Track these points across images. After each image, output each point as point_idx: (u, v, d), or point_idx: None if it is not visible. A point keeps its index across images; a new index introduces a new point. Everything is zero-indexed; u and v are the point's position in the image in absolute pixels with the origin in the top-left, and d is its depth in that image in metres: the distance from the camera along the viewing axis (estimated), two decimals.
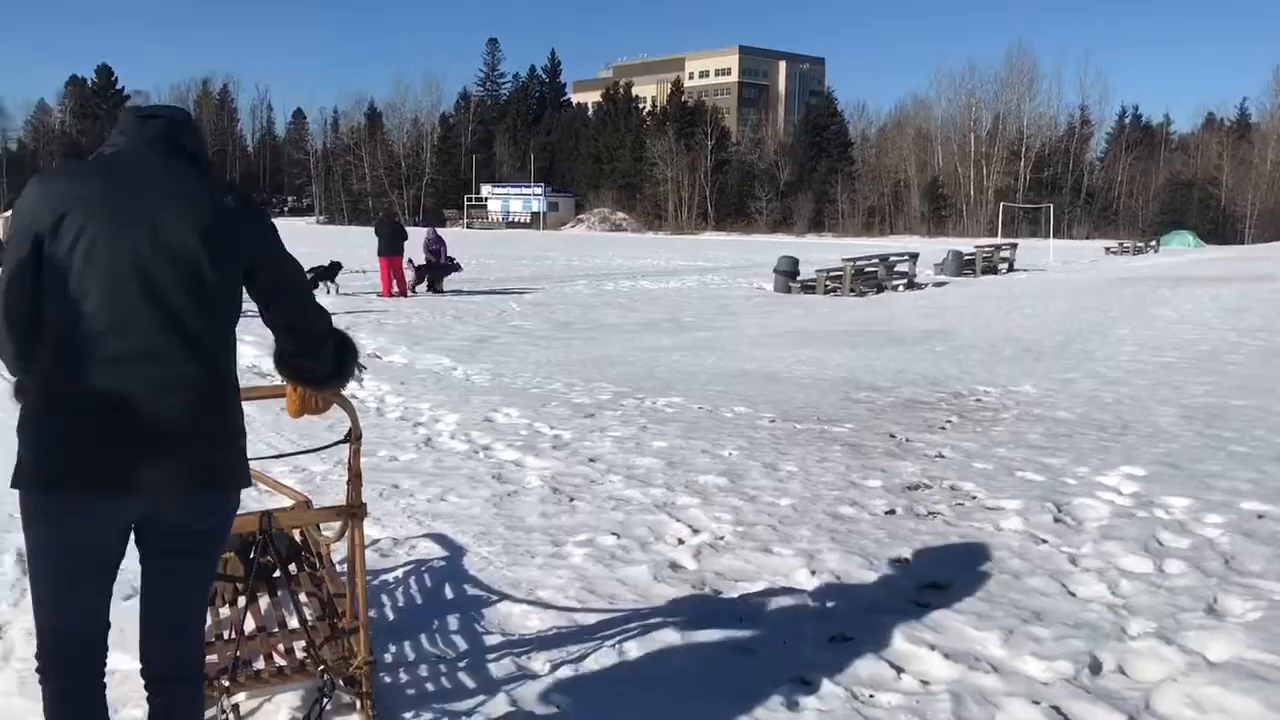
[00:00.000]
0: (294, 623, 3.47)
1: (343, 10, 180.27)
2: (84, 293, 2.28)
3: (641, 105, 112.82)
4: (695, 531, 5.28)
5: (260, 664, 3.29)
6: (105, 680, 2.55)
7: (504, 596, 4.37)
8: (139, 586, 2.53)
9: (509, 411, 8.45)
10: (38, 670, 2.47)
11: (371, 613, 3.78)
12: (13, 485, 2.31)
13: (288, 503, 3.99)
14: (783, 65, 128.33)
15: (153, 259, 2.31)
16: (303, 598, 3.56)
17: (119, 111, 2.63)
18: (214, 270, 2.37)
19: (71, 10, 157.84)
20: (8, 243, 2.38)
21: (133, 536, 2.45)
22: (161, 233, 2.33)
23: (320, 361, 2.74)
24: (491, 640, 3.93)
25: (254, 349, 9.25)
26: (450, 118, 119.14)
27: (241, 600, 3.44)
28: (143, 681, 2.58)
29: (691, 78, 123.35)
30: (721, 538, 5.19)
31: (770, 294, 22.97)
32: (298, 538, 4.00)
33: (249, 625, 3.47)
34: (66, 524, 2.32)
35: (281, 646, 3.35)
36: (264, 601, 3.65)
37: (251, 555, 3.26)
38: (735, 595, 4.43)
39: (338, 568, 3.99)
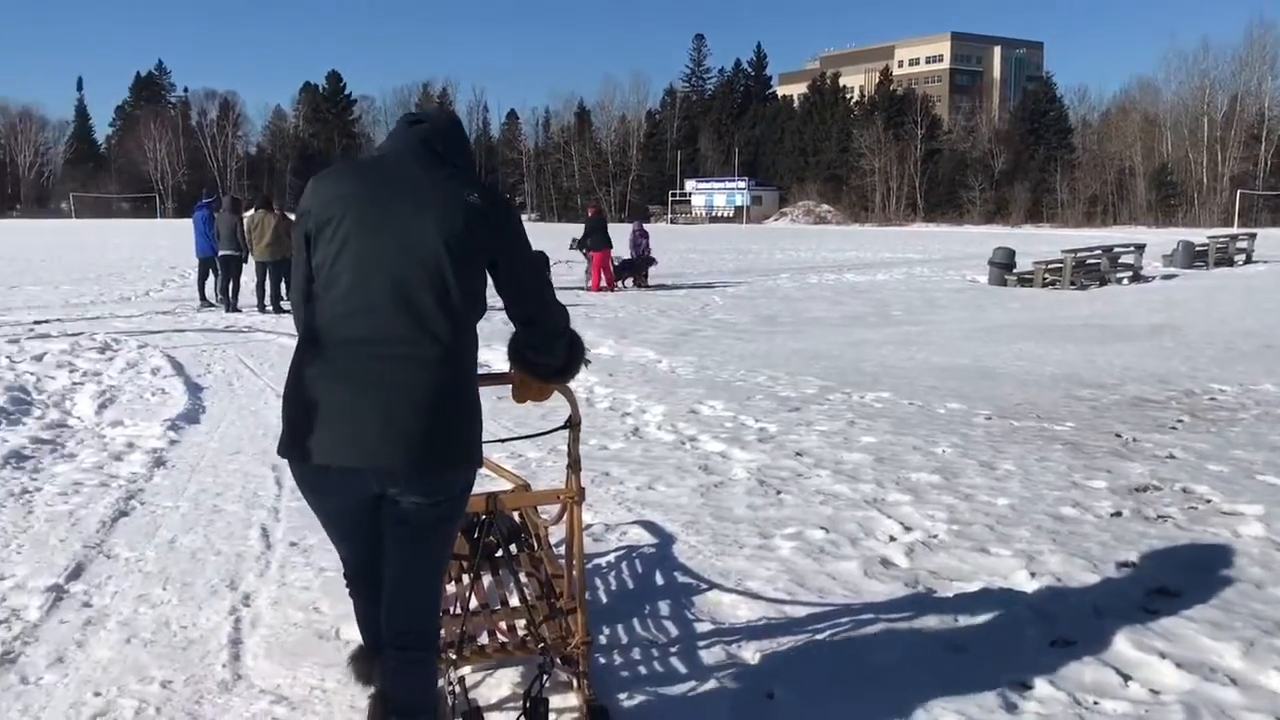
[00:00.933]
0: (515, 601, 3.61)
1: (555, 13, 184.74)
2: (336, 278, 2.52)
3: (849, 95, 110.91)
4: (907, 529, 5.18)
5: (484, 639, 3.44)
6: None
7: (713, 585, 4.41)
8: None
9: (714, 404, 8.51)
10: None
11: (586, 595, 3.89)
12: (278, 453, 2.60)
13: (507, 486, 4.15)
14: (997, 50, 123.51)
15: (400, 252, 2.52)
16: (522, 577, 3.70)
17: (398, 121, 2.85)
18: (457, 263, 2.54)
19: (306, 20, 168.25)
20: (294, 231, 2.69)
21: None
22: (410, 227, 2.53)
23: (553, 356, 2.88)
24: (702, 627, 3.98)
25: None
26: (656, 114, 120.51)
27: (466, 578, 3.60)
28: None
29: (901, 66, 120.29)
30: (935, 536, 5.07)
31: (984, 287, 22.20)
32: (517, 519, 4.15)
33: (473, 602, 3.63)
34: (316, 491, 2.62)
35: (504, 624, 3.50)
36: (486, 580, 3.81)
37: (475, 535, 3.41)
38: (950, 594, 4.32)
39: (555, 550, 4.13)
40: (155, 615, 4.01)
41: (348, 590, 3.00)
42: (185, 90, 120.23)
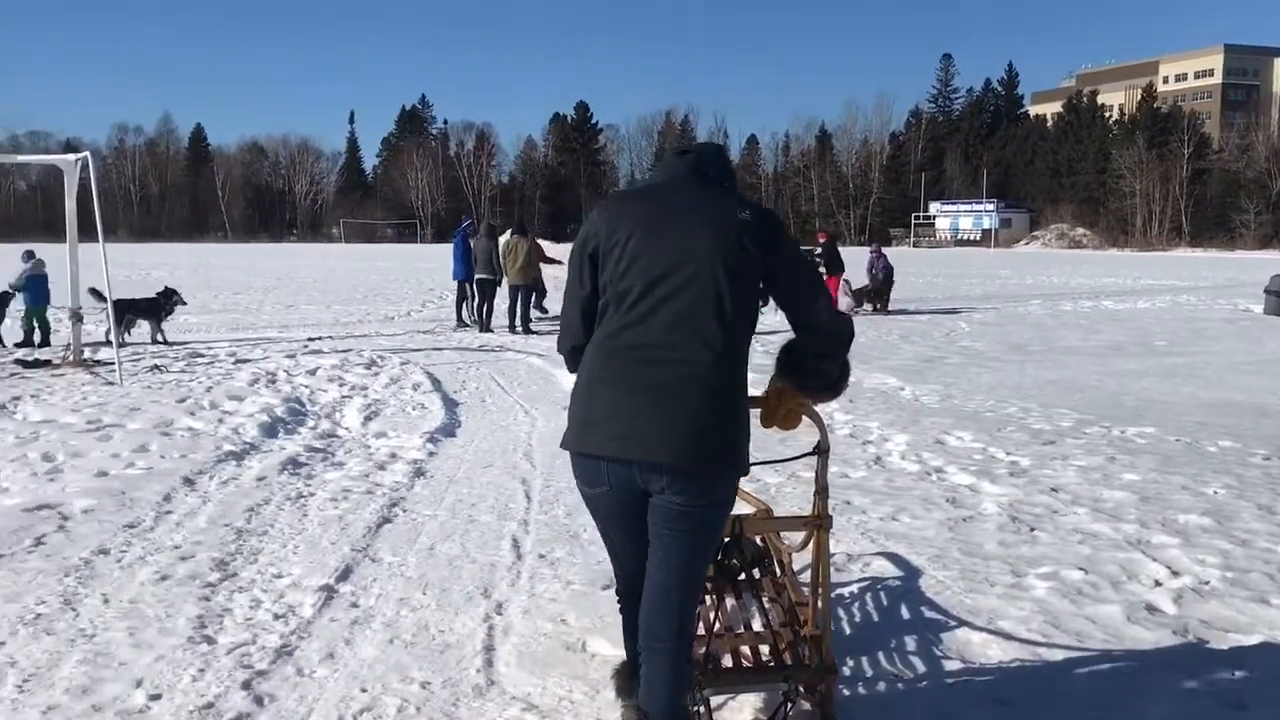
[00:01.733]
0: (758, 625, 3.59)
1: (797, 38, 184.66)
2: (625, 292, 2.73)
3: (1108, 114, 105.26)
4: (1175, 574, 4.83)
5: (727, 661, 3.44)
6: None
7: (962, 623, 4.25)
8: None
9: (961, 434, 8.22)
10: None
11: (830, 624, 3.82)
12: (561, 446, 2.86)
13: (750, 510, 4.14)
14: (1277, 63, 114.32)
15: (679, 267, 2.70)
16: (765, 603, 3.67)
17: (666, 153, 3.19)
18: (731, 277, 2.70)
19: (557, 53, 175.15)
20: (573, 255, 2.91)
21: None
22: (688, 246, 2.72)
23: (834, 364, 2.93)
24: (950, 665, 3.83)
25: None
26: (900, 136, 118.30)
27: (710, 599, 3.61)
28: None
29: (1166, 82, 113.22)
30: (1207, 583, 4.70)
31: (1259, 317, 20.50)
32: (760, 544, 4.13)
33: (717, 625, 3.63)
34: (589, 480, 2.81)
35: (746, 649, 3.48)
36: (730, 603, 3.81)
37: (720, 557, 3.42)
38: (1225, 646, 3.99)
39: (797, 577, 4.08)
40: (415, 619, 4.23)
41: (618, 605, 3.12)
42: (445, 122, 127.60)
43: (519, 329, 16.44)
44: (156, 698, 3.49)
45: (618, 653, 3.81)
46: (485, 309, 16.89)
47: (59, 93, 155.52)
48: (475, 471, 6.96)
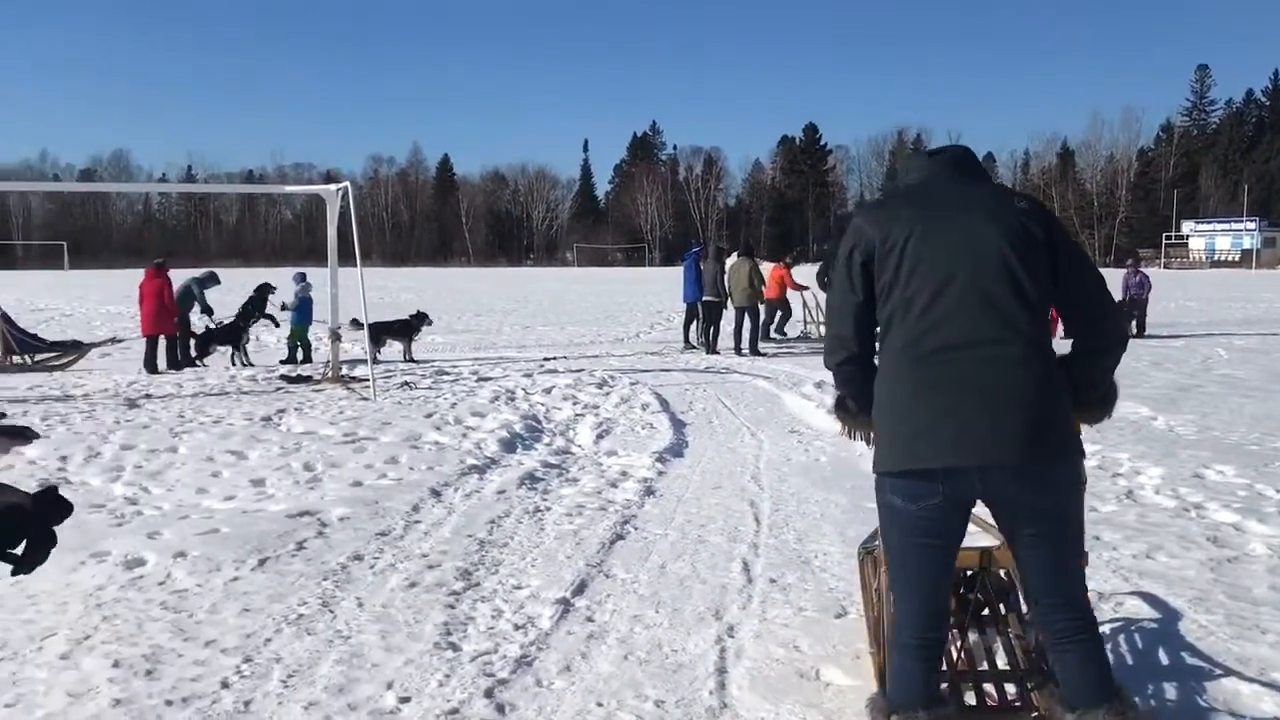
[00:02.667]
0: (1002, 663, 3.43)
1: (1032, 52, 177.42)
2: (913, 297, 2.68)
3: None
4: None
5: (970, 699, 3.30)
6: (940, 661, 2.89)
7: (1229, 672, 3.92)
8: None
9: (1222, 469, 7.61)
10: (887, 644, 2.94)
11: None
12: (877, 471, 2.77)
13: (996, 542, 3.96)
14: None
15: (973, 259, 2.66)
16: (1011, 640, 3.50)
17: (908, 157, 3.13)
18: (1024, 262, 2.65)
19: (786, 77, 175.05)
20: (834, 265, 2.87)
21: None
22: (976, 235, 2.68)
23: (1106, 372, 2.86)
24: (1216, 719, 3.54)
25: None
26: (1149, 152, 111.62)
27: (952, 634, 3.48)
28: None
29: None
30: None
31: None
32: (1005, 577, 3.95)
33: (959, 661, 3.49)
34: (915, 495, 2.68)
35: (991, 686, 3.33)
36: (972, 638, 3.65)
37: (963, 590, 3.29)
38: None
39: None
40: (649, 636, 4.28)
41: (899, 652, 2.87)
42: (674, 148, 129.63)
43: (745, 351, 16.45)
44: (406, 700, 3.66)
45: (853, 683, 3.73)
46: (712, 331, 17.00)
47: (319, 127, 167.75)
48: (704, 492, 6.99)
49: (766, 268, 18.73)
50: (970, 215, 2.71)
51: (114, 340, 18.21)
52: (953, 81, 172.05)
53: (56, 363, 15.25)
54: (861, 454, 8.19)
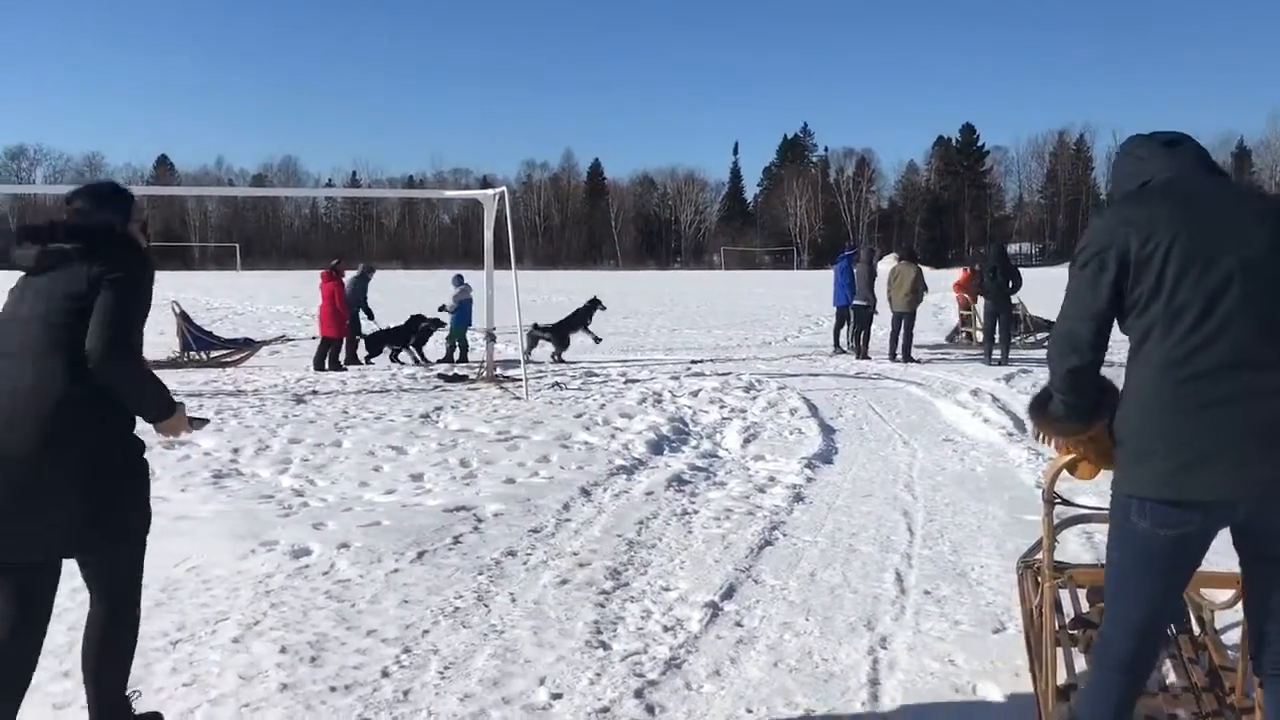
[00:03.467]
0: (1173, 684, 3.27)
1: (1203, 47, 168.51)
2: (1181, 308, 2.47)
3: None
4: None
5: None
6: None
7: None
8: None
9: None
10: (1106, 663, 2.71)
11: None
12: (1125, 492, 2.57)
13: None
14: None
15: (1245, 271, 2.44)
16: (1185, 663, 3.34)
17: (1138, 146, 2.76)
18: None
19: (941, 76, 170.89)
20: (1084, 263, 2.61)
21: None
22: (1245, 243, 2.47)
23: None
24: None
25: None
26: None
27: None
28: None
29: None
30: None
31: None
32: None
33: None
34: (1167, 523, 2.51)
35: (1165, 708, 3.18)
36: None
37: None
38: None
39: (1220, 638, 3.68)
40: (799, 644, 4.24)
41: (1103, 670, 2.72)
42: (825, 149, 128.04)
43: (899, 356, 16.15)
44: (558, 696, 3.72)
45: (1012, 701, 3.62)
46: (863, 336, 16.73)
47: (475, 133, 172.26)
48: (854, 500, 6.88)
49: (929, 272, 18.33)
50: (1236, 220, 2.50)
51: (283, 338, 19.10)
52: (1116, 77, 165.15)
53: (229, 359, 16.06)
54: (1020, 464, 7.96)
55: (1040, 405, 2.83)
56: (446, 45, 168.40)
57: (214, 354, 16.19)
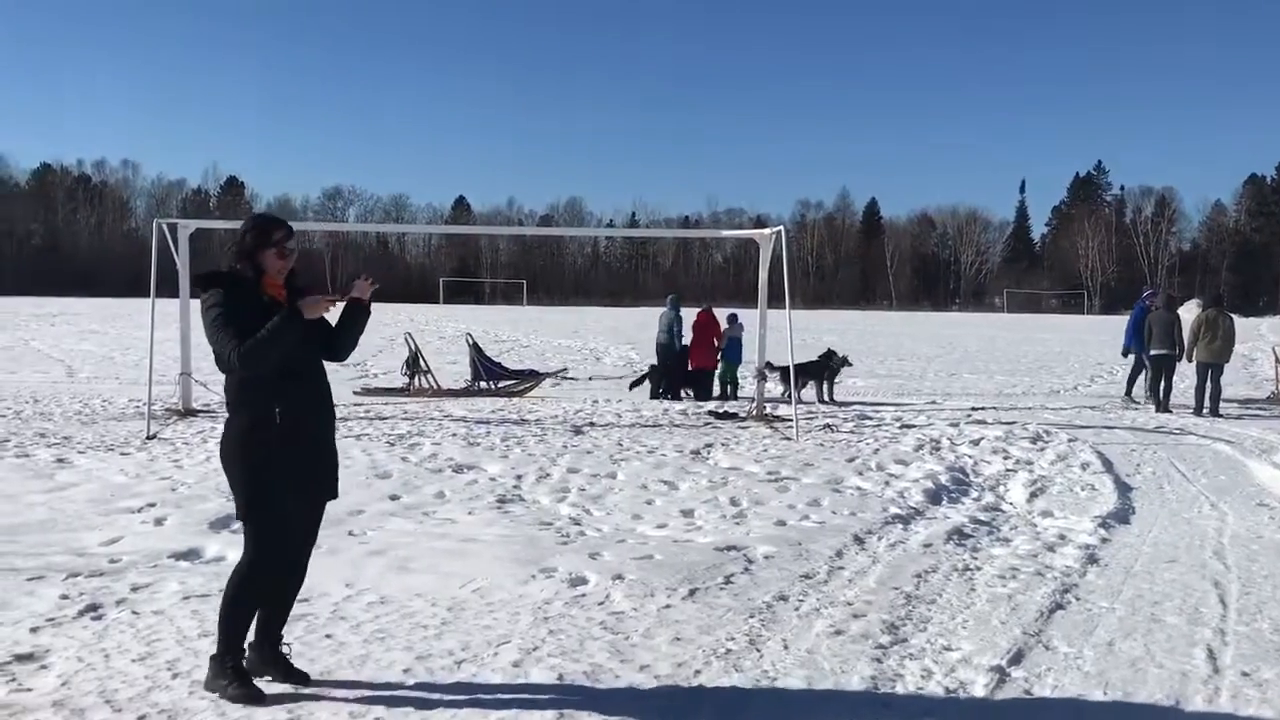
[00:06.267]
0: None
1: None
2: None
3: None
4: None
5: None
6: None
7: None
8: None
9: None
10: None
11: None
12: None
13: None
14: None
15: None
16: None
17: None
18: None
19: (1252, 110, 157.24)
20: None
21: None
22: None
23: None
24: None
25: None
26: None
27: None
28: None
29: None
30: None
31: None
32: None
33: None
34: None
35: None
36: None
37: None
38: None
39: None
40: (1095, 718, 3.90)
41: None
42: (1122, 188, 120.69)
43: (1205, 411, 14.86)
44: None
45: None
46: (1163, 387, 15.51)
47: (750, 174, 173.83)
48: (1156, 565, 6.33)
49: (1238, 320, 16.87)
50: None
51: (563, 372, 19.84)
52: None
53: (516, 389, 16.82)
54: None
55: None
56: (719, 84, 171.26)
57: (501, 384, 17.01)
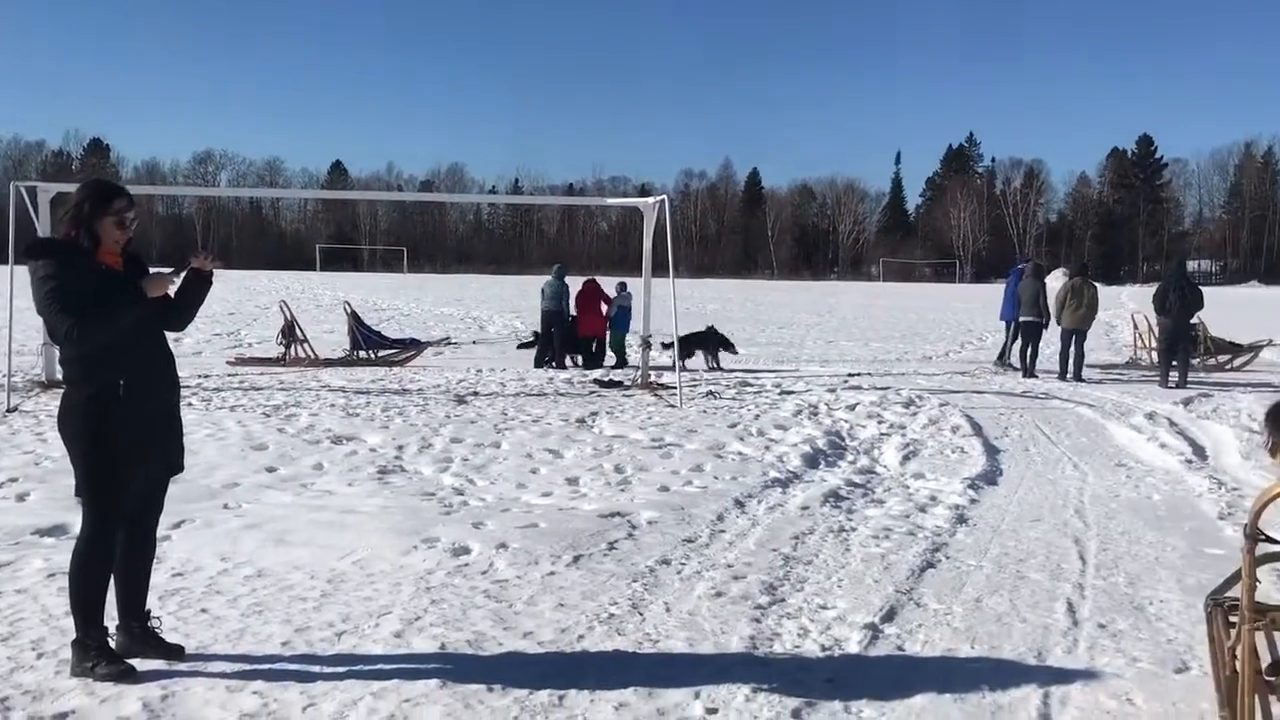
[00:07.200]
0: None
1: None
2: None
3: None
4: None
5: None
6: None
7: None
8: None
9: None
10: None
11: None
12: None
13: None
14: None
15: None
16: None
17: None
18: None
19: (1116, 86, 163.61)
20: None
21: None
22: None
23: None
24: None
25: None
26: None
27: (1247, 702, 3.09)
28: None
29: None
30: None
31: None
32: None
33: None
34: None
35: None
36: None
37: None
38: None
39: None
40: (965, 672, 4.06)
41: None
42: (993, 160, 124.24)
43: (1069, 376, 15.50)
44: (713, 711, 3.66)
45: None
46: (1031, 352, 16.12)
47: (635, 141, 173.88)
48: (1021, 524, 6.60)
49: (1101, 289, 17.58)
50: None
51: (447, 340, 19.64)
52: None
53: (396, 359, 16.58)
54: (1200, 494, 7.51)
55: None
56: (607, 50, 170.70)
57: (381, 353, 16.74)
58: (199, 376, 13.77)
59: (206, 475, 7.36)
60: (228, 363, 15.65)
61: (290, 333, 16.26)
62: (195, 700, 3.66)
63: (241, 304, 32.45)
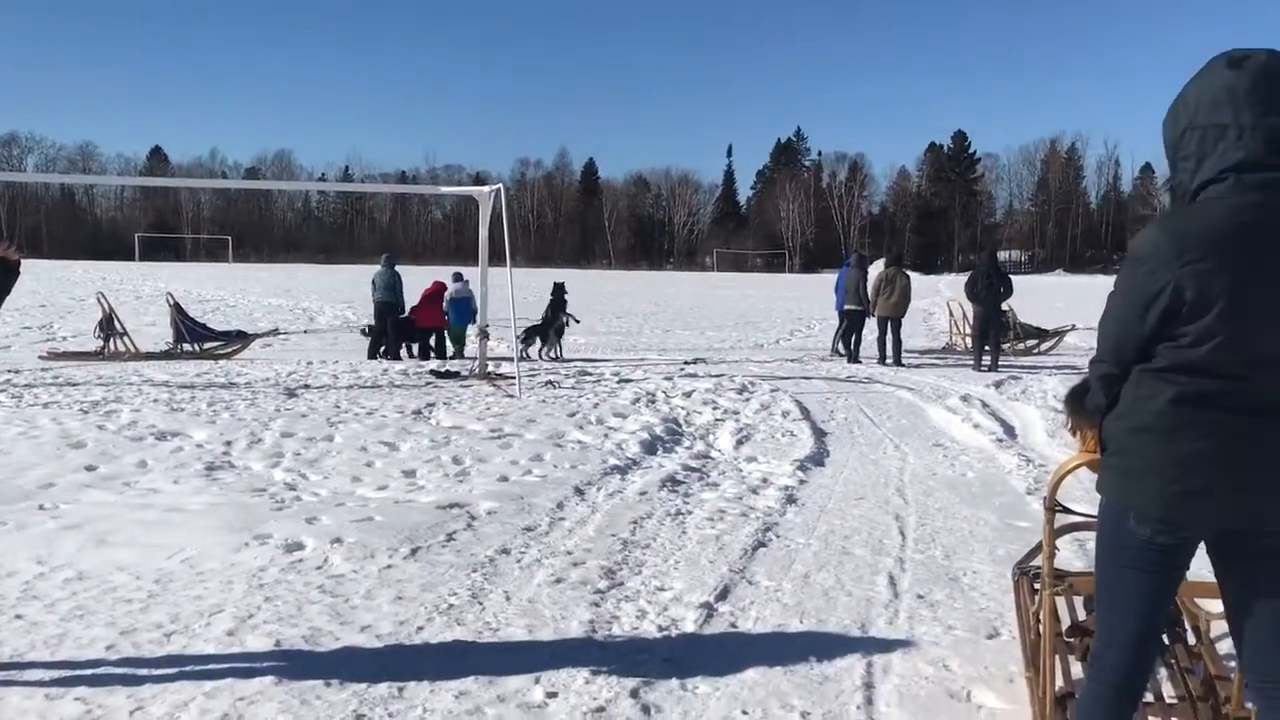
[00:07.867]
0: (1169, 694, 3.29)
1: (1197, 51, 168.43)
2: (1206, 365, 2.32)
3: None
4: None
5: None
6: None
7: None
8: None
9: None
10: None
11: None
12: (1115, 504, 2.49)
13: None
14: None
15: None
16: (1179, 673, 3.35)
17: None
18: None
19: (934, 83, 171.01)
20: (1126, 279, 2.44)
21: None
22: None
23: None
24: None
25: None
26: None
27: None
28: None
29: None
30: None
31: None
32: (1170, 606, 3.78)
33: None
34: (1174, 528, 2.42)
35: (1161, 719, 3.19)
36: None
37: None
38: None
39: (1216, 647, 3.69)
40: (794, 646, 4.24)
41: (1100, 686, 2.62)
42: (819, 154, 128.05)
43: (889, 361, 16.18)
44: (553, 695, 3.72)
45: (1007, 706, 3.65)
46: (854, 339, 16.76)
47: (470, 129, 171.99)
48: (846, 503, 6.89)
49: (916, 278, 18.35)
50: None
51: (275, 332, 19.05)
52: (1110, 87, 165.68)
53: (222, 351, 16.01)
54: (1010, 471, 7.98)
55: (1078, 397, 2.72)
56: (440, 42, 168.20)
57: (207, 346, 16.14)
58: (9, 371, 13.02)
59: (18, 475, 6.99)
60: (40, 357, 14.81)
61: (109, 325, 15.52)
62: (10, 710, 3.50)
63: (54, 296, 30.67)
